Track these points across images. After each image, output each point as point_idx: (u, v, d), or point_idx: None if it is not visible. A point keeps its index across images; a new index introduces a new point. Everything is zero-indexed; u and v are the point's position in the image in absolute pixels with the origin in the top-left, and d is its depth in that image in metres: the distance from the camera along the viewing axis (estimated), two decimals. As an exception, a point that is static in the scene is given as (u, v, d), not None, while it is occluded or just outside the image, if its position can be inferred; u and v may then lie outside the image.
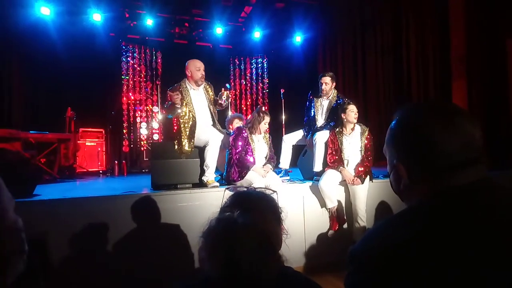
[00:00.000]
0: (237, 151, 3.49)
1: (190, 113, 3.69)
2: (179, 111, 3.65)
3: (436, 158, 0.73)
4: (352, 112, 3.64)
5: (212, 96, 3.93)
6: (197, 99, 3.79)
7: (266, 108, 9.76)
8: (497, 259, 0.61)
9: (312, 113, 4.27)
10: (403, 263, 0.64)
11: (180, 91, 3.68)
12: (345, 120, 3.67)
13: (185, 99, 3.69)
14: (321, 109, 4.24)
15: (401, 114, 0.83)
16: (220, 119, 4.17)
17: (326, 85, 4.13)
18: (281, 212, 1.09)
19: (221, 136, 3.71)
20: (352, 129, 3.70)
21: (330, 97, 4.19)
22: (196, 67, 3.72)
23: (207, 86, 3.92)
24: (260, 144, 3.65)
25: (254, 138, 3.62)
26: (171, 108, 3.62)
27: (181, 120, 3.67)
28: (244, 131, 3.57)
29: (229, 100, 3.92)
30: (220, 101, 3.84)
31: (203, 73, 3.76)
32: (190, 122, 3.67)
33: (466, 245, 0.63)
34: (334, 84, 4.20)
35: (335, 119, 4.08)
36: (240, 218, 0.93)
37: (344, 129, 3.71)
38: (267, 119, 3.62)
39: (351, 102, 3.74)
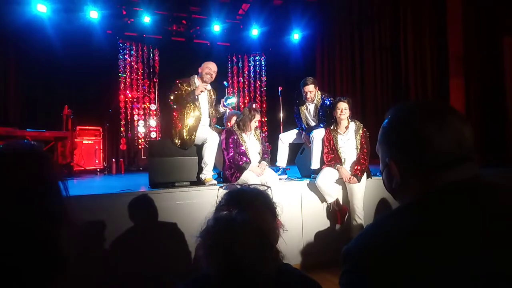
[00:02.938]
0: (230, 154, 3.50)
1: (196, 108, 3.73)
2: (190, 100, 3.69)
3: (428, 156, 0.74)
4: (338, 109, 3.60)
5: (214, 100, 4.03)
6: (202, 97, 3.84)
7: (264, 106, 9.77)
8: (489, 256, 0.62)
9: (301, 119, 4.28)
10: (397, 262, 0.64)
11: (189, 84, 3.77)
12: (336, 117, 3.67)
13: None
14: (308, 114, 4.23)
15: (394, 112, 0.83)
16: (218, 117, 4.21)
17: (310, 93, 4.04)
18: (276, 207, 1.09)
19: (219, 135, 3.73)
20: (347, 127, 3.67)
21: (315, 101, 4.14)
22: (207, 67, 3.82)
23: (211, 91, 4.01)
24: (251, 142, 3.66)
25: (245, 137, 3.60)
26: (188, 96, 3.65)
27: (186, 113, 3.69)
28: (233, 134, 3.57)
29: (233, 106, 3.97)
30: (220, 105, 3.93)
31: (212, 75, 3.83)
32: (195, 117, 3.71)
33: (459, 243, 0.63)
34: (317, 87, 4.12)
35: (325, 119, 4.06)
36: (237, 216, 0.93)
37: (338, 127, 3.69)
38: (257, 117, 3.62)
39: (341, 99, 3.64)
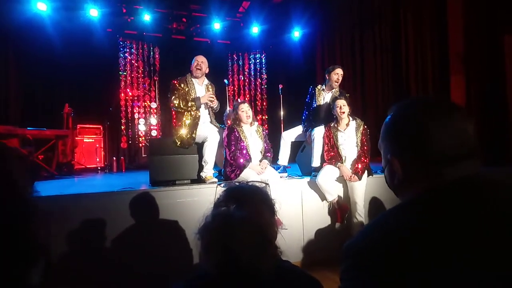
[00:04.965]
0: (231, 151, 3.48)
1: (194, 107, 3.73)
2: (196, 106, 3.73)
3: (431, 152, 0.74)
4: (337, 107, 3.57)
5: (212, 93, 3.98)
6: (199, 94, 3.84)
7: (264, 104, 9.76)
8: (483, 255, 0.62)
9: (314, 106, 4.20)
10: (398, 258, 0.64)
11: (186, 83, 3.79)
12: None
13: (191, 92, 3.77)
14: (323, 103, 4.18)
15: (396, 109, 0.83)
16: (219, 114, 4.19)
17: (341, 76, 4.06)
18: (274, 204, 1.09)
19: (220, 132, 3.72)
20: (347, 124, 3.64)
21: (333, 91, 4.13)
22: (195, 60, 3.86)
23: (209, 85, 3.99)
24: (253, 138, 3.62)
25: (246, 133, 3.57)
26: (193, 102, 3.70)
27: (185, 112, 3.69)
28: (234, 130, 3.55)
29: (217, 106, 3.92)
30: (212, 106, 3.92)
31: (201, 66, 3.83)
32: (193, 115, 3.71)
33: (455, 240, 0.63)
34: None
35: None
36: (235, 213, 0.93)
37: (338, 124, 3.66)
38: (241, 106, 3.60)
39: (338, 97, 3.63)
